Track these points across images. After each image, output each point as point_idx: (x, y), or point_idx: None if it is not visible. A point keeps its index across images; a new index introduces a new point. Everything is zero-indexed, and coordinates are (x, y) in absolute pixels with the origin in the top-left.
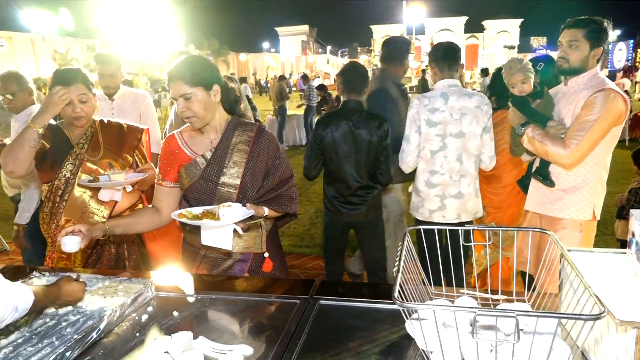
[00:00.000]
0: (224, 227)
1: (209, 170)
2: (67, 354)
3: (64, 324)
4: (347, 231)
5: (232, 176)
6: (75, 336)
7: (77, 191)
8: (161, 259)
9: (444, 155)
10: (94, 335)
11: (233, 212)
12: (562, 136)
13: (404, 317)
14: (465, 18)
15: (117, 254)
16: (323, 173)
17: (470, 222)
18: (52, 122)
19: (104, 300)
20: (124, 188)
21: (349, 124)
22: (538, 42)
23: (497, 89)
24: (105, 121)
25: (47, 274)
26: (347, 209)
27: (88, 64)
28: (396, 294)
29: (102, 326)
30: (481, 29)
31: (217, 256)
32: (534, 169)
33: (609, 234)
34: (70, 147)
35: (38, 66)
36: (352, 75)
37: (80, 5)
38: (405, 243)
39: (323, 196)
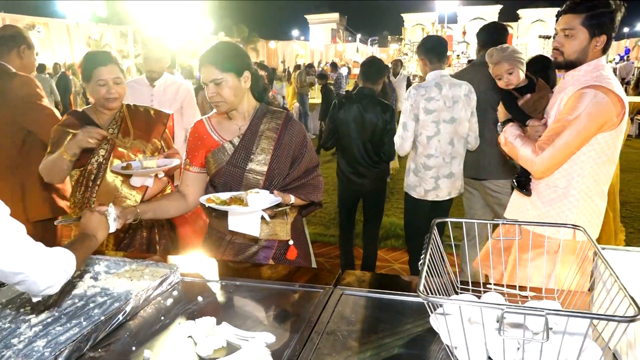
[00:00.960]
0: (251, 214)
1: (236, 156)
2: (94, 334)
3: (91, 305)
4: (357, 201)
5: (259, 163)
6: (102, 317)
7: (110, 176)
8: (191, 243)
9: (438, 140)
10: (120, 317)
11: (261, 199)
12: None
13: (429, 311)
14: (499, 7)
15: (148, 238)
16: (336, 149)
17: (457, 198)
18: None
19: (131, 283)
20: (156, 174)
21: (359, 108)
22: None
23: None
24: (132, 106)
25: None
26: (357, 178)
27: (121, 50)
28: (421, 287)
29: (128, 309)
30: (516, 18)
31: (243, 242)
32: None
33: None
34: None
35: (73, 52)
36: (371, 67)
37: None
38: (432, 236)
39: (337, 169)
